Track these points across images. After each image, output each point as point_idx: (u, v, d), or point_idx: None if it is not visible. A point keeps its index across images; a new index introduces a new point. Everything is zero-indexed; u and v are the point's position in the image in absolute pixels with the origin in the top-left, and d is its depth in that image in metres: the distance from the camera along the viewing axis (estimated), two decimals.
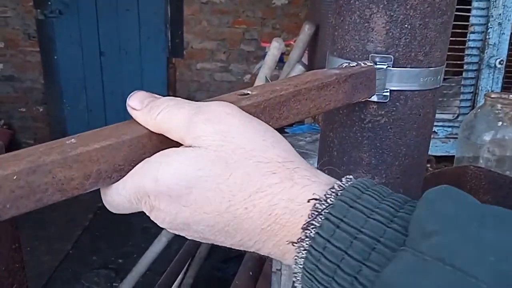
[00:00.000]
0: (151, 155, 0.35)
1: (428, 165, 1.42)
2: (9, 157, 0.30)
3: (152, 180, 0.33)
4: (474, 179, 0.93)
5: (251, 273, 1.00)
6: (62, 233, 3.22)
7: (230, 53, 4.17)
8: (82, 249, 3.12)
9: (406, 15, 0.50)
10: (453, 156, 1.30)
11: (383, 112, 0.54)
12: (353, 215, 0.30)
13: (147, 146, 0.35)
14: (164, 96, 0.37)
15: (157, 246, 1.99)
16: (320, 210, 0.31)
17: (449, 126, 1.41)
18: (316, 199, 0.31)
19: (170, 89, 4.21)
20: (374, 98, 0.53)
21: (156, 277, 2.50)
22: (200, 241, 0.36)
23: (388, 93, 0.52)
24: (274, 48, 1.33)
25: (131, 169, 0.34)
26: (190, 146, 0.33)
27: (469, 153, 1.18)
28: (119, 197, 0.35)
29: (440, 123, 1.40)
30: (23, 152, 0.31)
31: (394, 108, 0.53)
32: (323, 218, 0.30)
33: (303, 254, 0.31)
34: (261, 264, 1.05)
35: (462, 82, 1.44)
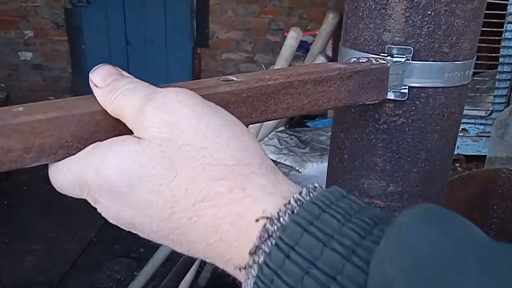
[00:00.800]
0: (106, 135, 0.31)
1: (457, 165, 1.33)
2: None
3: (93, 170, 0.29)
4: (507, 183, 0.84)
5: None
6: (86, 221, 3.27)
7: (255, 44, 4.11)
8: (105, 237, 3.16)
9: (429, 0, 0.43)
10: (485, 156, 1.21)
11: (400, 112, 0.47)
12: (307, 243, 0.24)
13: (101, 124, 0.31)
14: None
15: None
16: (270, 232, 0.25)
17: (481, 124, 1.32)
18: (267, 218, 0.26)
19: (195, 79, 4.19)
20: (391, 96, 0.46)
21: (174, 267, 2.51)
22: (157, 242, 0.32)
23: (406, 90, 0.46)
24: (291, 38, 1.27)
25: (81, 148, 0.31)
26: (138, 137, 0.29)
27: (503, 153, 1.10)
28: (63, 180, 0.31)
29: (472, 120, 1.30)
30: None
31: (414, 108, 0.47)
32: (273, 243, 0.25)
33: (251, 282, 0.25)
34: None
35: (497, 77, 1.35)
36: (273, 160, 1.58)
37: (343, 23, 0.52)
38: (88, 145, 0.31)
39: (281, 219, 0.25)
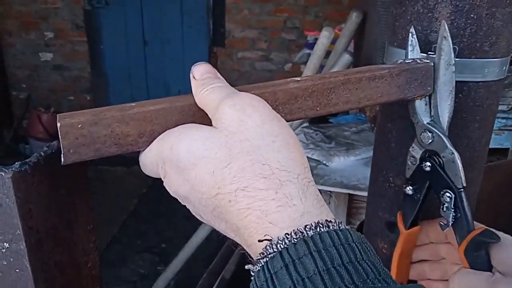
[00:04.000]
0: (200, 123, 0.37)
1: None
2: (77, 112, 0.36)
3: (168, 147, 0.35)
4: None
5: None
6: (109, 217, 3.35)
7: (271, 42, 4.16)
8: (127, 233, 3.24)
9: (472, 5, 0.49)
10: (507, 149, 1.26)
11: None
12: (280, 277, 0.29)
13: (196, 115, 0.38)
14: None
15: (201, 232, 2.04)
16: (266, 253, 0.31)
17: (503, 118, 1.36)
18: (268, 240, 0.31)
19: None
20: None
21: (198, 262, 2.57)
22: (200, 219, 0.38)
23: None
24: (324, 38, 1.32)
25: None
26: (214, 126, 0.35)
27: None
28: (147, 159, 0.38)
29: None
30: (89, 110, 0.36)
31: (457, 100, 0.52)
32: (262, 264, 0.31)
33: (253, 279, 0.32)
34: None
35: None
36: None
37: (390, 25, 0.58)
38: None
39: (278, 245, 0.30)
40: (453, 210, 0.49)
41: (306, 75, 1.31)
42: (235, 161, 0.33)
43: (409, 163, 0.53)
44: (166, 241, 3.13)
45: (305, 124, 1.66)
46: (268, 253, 0.31)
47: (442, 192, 0.50)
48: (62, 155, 0.35)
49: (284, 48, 4.16)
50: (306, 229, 0.31)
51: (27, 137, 4.33)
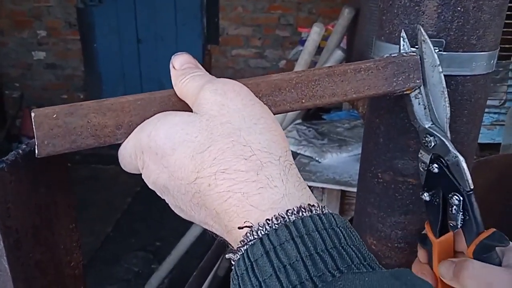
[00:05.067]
0: None
1: None
2: (54, 106, 0.35)
3: (146, 135, 0.35)
4: None
5: None
6: (102, 215, 3.34)
7: (265, 39, 4.16)
8: (122, 231, 3.23)
9: None
10: (499, 144, 1.26)
11: None
12: (261, 265, 0.28)
13: (177, 105, 0.37)
14: None
15: (195, 230, 2.03)
16: (247, 241, 0.30)
17: (495, 113, 1.37)
18: (249, 227, 0.30)
19: None
20: None
21: (192, 260, 2.57)
22: (178, 213, 0.37)
23: None
24: (315, 33, 1.32)
25: None
26: (190, 112, 0.35)
27: None
28: (125, 150, 0.37)
29: (486, 110, 1.35)
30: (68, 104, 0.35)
31: None
32: (243, 251, 0.29)
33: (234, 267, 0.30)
34: None
35: (510, 67, 1.38)
36: (293, 152, 1.64)
37: (377, 19, 0.57)
38: None
39: (259, 231, 0.29)
40: (461, 212, 0.48)
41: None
42: (215, 143, 0.32)
43: (421, 169, 0.52)
44: (160, 239, 3.12)
45: (298, 121, 1.65)
46: (248, 240, 0.29)
47: (450, 195, 0.49)
48: (36, 146, 0.34)
49: (278, 45, 4.16)
50: (288, 213, 0.30)
51: (20, 136, 4.30)
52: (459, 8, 0.49)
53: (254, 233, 0.29)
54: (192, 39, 4.18)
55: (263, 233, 0.29)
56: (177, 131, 0.33)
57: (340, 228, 0.30)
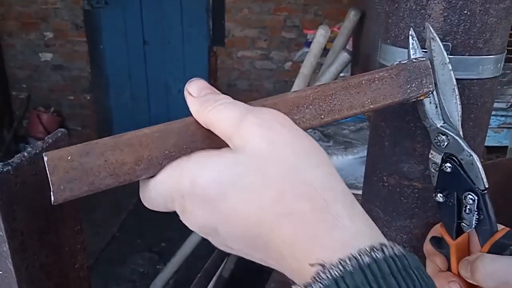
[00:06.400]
0: (201, 143, 0.35)
1: None
2: (66, 144, 0.33)
3: (189, 180, 0.32)
4: None
5: None
6: (108, 216, 3.36)
7: (271, 41, 4.16)
8: (127, 232, 3.24)
9: (466, 1, 0.48)
10: (506, 146, 1.25)
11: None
12: None
13: (196, 134, 0.35)
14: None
15: None
16: (319, 279, 0.28)
17: (502, 116, 1.35)
18: (321, 265, 0.28)
19: (211, 77, 4.25)
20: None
21: (197, 261, 2.57)
22: (224, 250, 0.34)
23: None
24: (320, 36, 1.31)
25: (181, 156, 0.34)
26: (234, 148, 0.32)
27: None
28: (156, 193, 0.34)
29: (493, 112, 1.34)
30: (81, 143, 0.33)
31: None
32: None
33: None
34: None
35: None
36: None
37: (383, 22, 0.57)
38: (188, 154, 0.34)
39: (328, 273, 0.27)
40: (476, 212, 0.47)
41: (302, 73, 1.30)
42: (273, 185, 0.30)
43: (432, 170, 0.51)
44: (166, 240, 3.13)
45: None
46: (320, 278, 0.28)
47: (464, 195, 0.48)
48: (52, 193, 0.31)
49: (284, 47, 4.15)
50: (361, 254, 0.28)
51: (27, 137, 4.33)
52: (465, 12, 0.49)
53: (327, 272, 0.28)
54: (198, 41, 4.19)
55: (337, 274, 0.28)
56: (226, 174, 0.31)
57: (413, 269, 0.29)
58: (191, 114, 0.36)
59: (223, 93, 0.36)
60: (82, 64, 4.34)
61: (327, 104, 0.41)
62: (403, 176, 0.57)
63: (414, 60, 0.48)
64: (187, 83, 0.36)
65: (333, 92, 0.41)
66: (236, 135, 0.32)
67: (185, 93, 0.36)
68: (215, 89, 0.36)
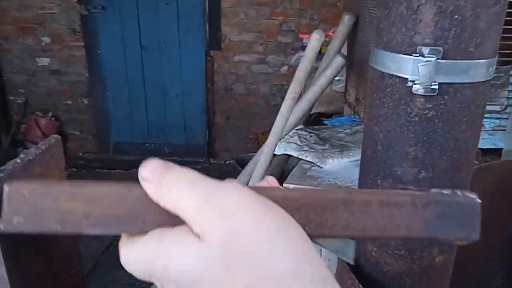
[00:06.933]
0: (158, 215, 0.33)
1: None
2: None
3: (162, 267, 0.32)
4: None
5: None
6: None
7: (267, 45, 4.16)
8: None
9: (456, 6, 0.49)
10: (500, 149, 1.25)
11: (430, 106, 0.52)
12: None
13: (153, 206, 0.33)
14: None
15: None
16: None
17: (496, 118, 1.36)
18: None
19: (208, 81, 4.25)
20: (421, 91, 0.52)
21: None
22: None
23: (436, 86, 0.51)
24: (315, 40, 1.32)
25: (133, 223, 0.33)
26: (197, 234, 0.31)
27: None
28: (135, 262, 0.34)
29: (487, 115, 1.35)
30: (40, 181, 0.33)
31: (443, 102, 0.52)
32: None
33: None
34: None
35: (511, 72, 1.38)
36: (294, 157, 1.63)
37: (375, 27, 0.57)
38: (141, 223, 0.33)
39: None
40: None
41: (297, 77, 1.30)
42: (238, 277, 0.29)
43: None
44: None
45: (299, 126, 1.65)
46: None
47: None
48: (1, 221, 0.32)
49: (280, 51, 4.16)
50: None
51: (25, 141, 4.32)
52: (456, 16, 0.49)
53: None
54: (195, 45, 4.19)
55: None
56: (194, 266, 0.30)
57: None
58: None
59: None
60: (80, 69, 4.34)
61: (317, 216, 0.34)
62: (397, 179, 0.57)
63: (458, 193, 0.35)
64: (139, 168, 0.34)
65: (330, 205, 0.34)
66: (197, 224, 0.31)
67: (140, 180, 0.34)
68: (168, 164, 0.34)
